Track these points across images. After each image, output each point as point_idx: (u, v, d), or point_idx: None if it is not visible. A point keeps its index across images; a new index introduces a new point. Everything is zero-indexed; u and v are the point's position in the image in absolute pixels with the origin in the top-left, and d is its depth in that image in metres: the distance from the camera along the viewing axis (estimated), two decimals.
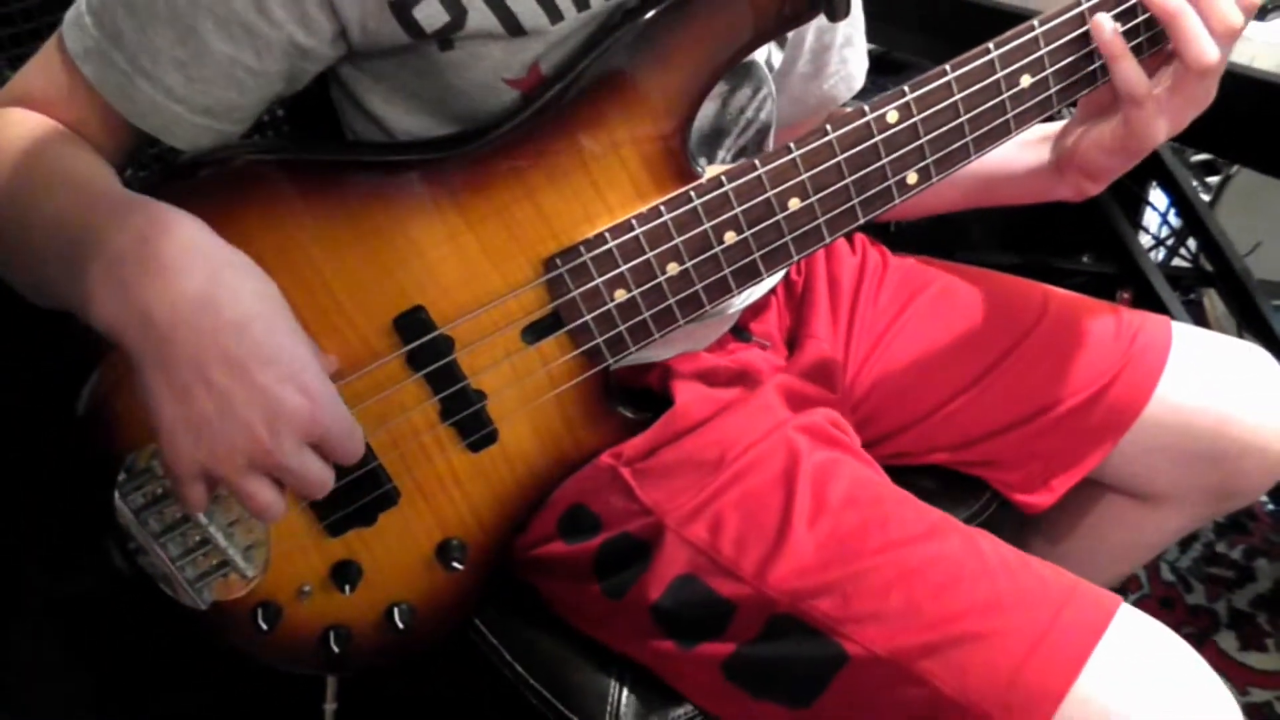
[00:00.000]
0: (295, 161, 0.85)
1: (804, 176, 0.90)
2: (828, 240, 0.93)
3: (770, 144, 1.07)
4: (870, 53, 1.20)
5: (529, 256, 0.89)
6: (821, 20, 0.93)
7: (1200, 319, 2.27)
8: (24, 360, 0.78)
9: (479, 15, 0.84)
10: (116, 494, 0.86)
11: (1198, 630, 1.82)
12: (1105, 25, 0.89)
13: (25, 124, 0.85)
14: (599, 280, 0.90)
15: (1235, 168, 2.25)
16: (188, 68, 0.83)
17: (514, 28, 0.85)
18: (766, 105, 1.03)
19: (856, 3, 1.13)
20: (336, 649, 0.96)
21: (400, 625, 0.97)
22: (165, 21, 0.81)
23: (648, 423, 0.99)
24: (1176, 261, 2.36)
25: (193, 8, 0.80)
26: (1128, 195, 2.24)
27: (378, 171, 0.86)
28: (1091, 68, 0.92)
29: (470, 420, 0.93)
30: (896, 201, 0.94)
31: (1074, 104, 0.98)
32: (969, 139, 0.92)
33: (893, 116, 0.90)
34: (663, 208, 0.89)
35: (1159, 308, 1.84)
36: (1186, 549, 1.98)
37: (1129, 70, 0.89)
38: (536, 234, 0.89)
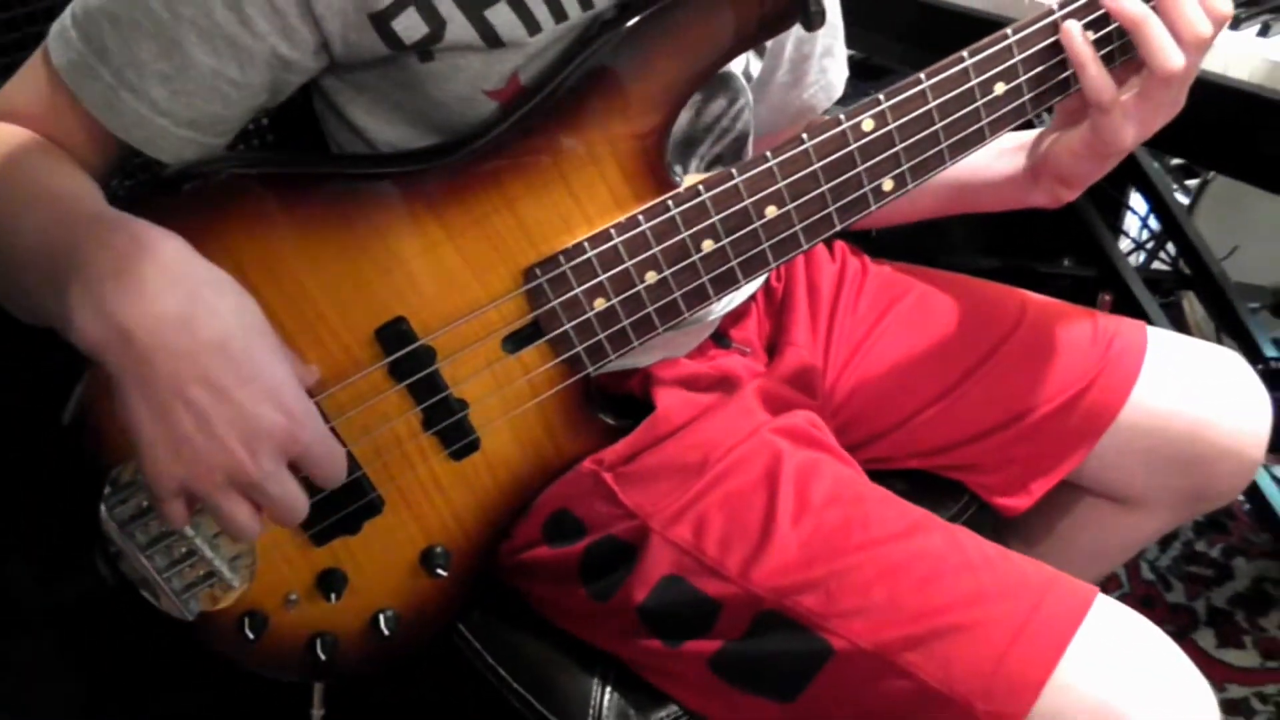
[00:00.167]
0: (278, 175, 0.86)
1: (781, 184, 0.91)
2: (805, 247, 0.94)
3: (749, 152, 1.08)
4: (851, 59, 1.21)
5: (509, 267, 0.90)
6: (800, 30, 0.94)
7: (1180, 321, 2.28)
8: (24, 360, 0.78)
9: (457, 28, 0.85)
10: (103, 507, 0.86)
11: (1177, 628, 1.84)
12: (1074, 32, 0.90)
13: (7, 139, 0.85)
14: (578, 289, 0.91)
15: (1213, 172, 2.27)
16: (172, 81, 0.83)
17: (492, 40, 0.86)
18: (743, 115, 1.04)
19: (835, 13, 1.14)
20: (323, 656, 0.96)
21: (386, 632, 0.97)
22: (149, 35, 0.82)
23: (629, 429, 1.00)
24: (1157, 265, 2.37)
25: (176, 21, 0.81)
26: (1108, 200, 2.26)
27: (359, 184, 0.87)
28: (1064, 75, 0.93)
29: (452, 429, 0.93)
30: (873, 208, 0.94)
31: (1051, 110, 0.99)
32: (944, 146, 0.93)
33: (868, 124, 0.91)
34: (641, 217, 0.90)
35: (1138, 311, 1.85)
36: (1166, 548, 2.00)
37: (1095, 76, 0.90)
38: (516, 244, 0.90)
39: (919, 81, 0.91)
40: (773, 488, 0.95)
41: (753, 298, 1.19)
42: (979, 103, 0.92)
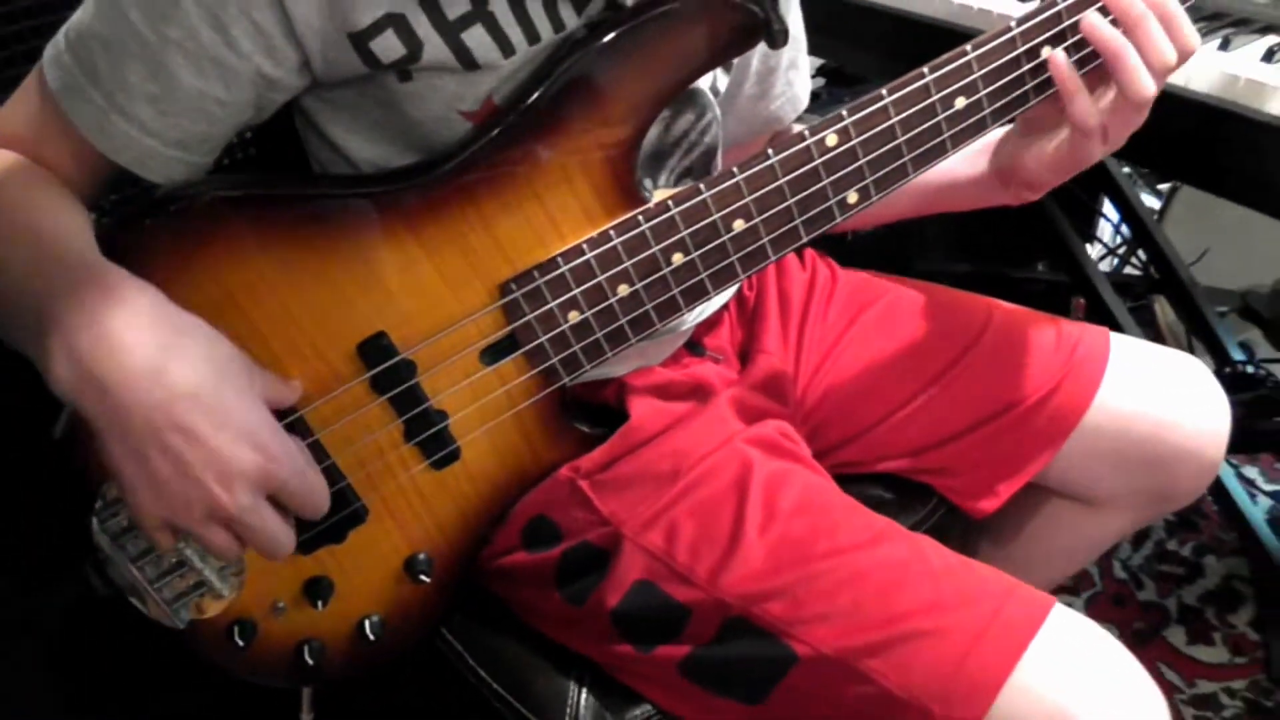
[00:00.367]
0: (260, 197, 0.87)
1: (748, 199, 0.93)
2: (773, 259, 0.96)
3: (718, 165, 1.10)
4: (824, 67, 1.23)
5: (485, 282, 0.92)
6: (764, 46, 0.96)
7: (1152, 324, 2.31)
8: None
9: (434, 49, 0.86)
10: (94, 520, 0.88)
11: (1149, 625, 1.86)
12: (1062, 64, 0.92)
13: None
14: (553, 303, 0.93)
15: None
16: (160, 102, 0.85)
17: (468, 62, 0.88)
18: (711, 129, 1.06)
19: (798, 27, 1.17)
20: (311, 662, 0.98)
21: (371, 637, 0.99)
22: (137, 57, 0.83)
23: (604, 437, 1.01)
24: (1129, 270, 2.40)
25: (163, 43, 0.82)
26: (1082, 207, 2.28)
27: (339, 204, 0.88)
28: (1024, 89, 0.94)
29: (433, 440, 0.95)
30: (838, 220, 0.96)
31: (1012, 120, 1.01)
32: (907, 159, 0.94)
33: (832, 140, 0.92)
34: (612, 232, 0.92)
35: (1108, 315, 1.88)
36: (1139, 547, 2.02)
37: (1083, 106, 0.92)
38: (491, 260, 0.91)
39: (881, 97, 0.92)
40: (742, 497, 0.97)
41: (726, 306, 1.21)
42: (940, 117, 0.93)
